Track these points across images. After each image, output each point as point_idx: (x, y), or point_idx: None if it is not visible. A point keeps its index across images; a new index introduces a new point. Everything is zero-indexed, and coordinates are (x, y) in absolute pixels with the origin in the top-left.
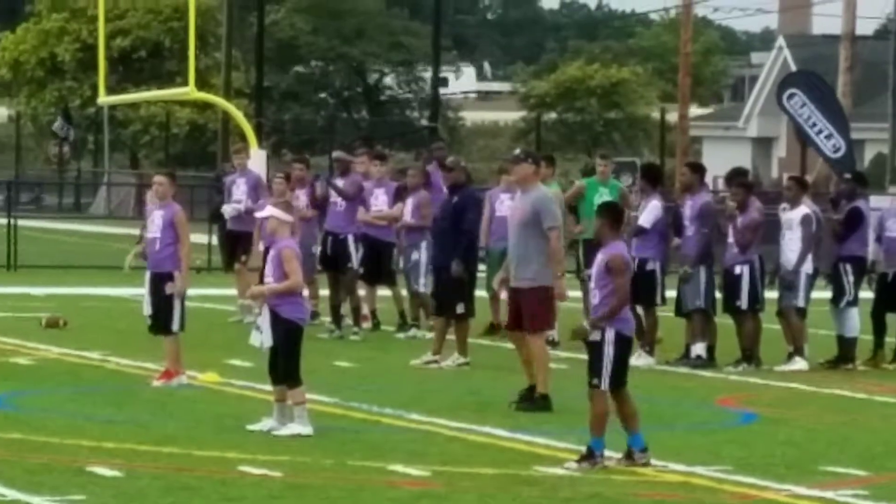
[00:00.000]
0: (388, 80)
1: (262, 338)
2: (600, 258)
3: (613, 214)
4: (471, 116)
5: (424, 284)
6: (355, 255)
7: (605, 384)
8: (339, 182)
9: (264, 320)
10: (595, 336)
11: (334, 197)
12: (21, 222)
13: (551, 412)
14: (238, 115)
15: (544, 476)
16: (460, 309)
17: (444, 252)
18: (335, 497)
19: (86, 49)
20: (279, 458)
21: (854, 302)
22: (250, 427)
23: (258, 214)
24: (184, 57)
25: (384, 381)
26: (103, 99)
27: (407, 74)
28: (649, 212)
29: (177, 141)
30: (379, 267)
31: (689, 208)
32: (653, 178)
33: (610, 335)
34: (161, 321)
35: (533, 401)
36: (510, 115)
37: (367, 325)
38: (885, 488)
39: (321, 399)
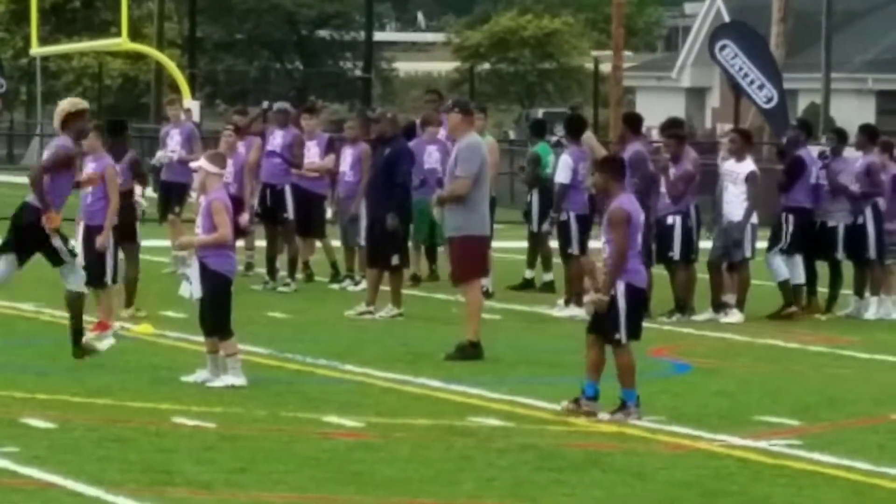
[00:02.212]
0: (322, 31)
1: (192, 289)
2: (606, 211)
3: (614, 166)
4: (404, 67)
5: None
6: (292, 207)
7: (624, 336)
8: (279, 136)
9: (194, 271)
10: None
11: (271, 147)
12: None
13: (483, 360)
14: (171, 66)
15: (479, 426)
16: (395, 261)
17: (377, 205)
18: (269, 448)
19: (18, 0)
20: (213, 409)
21: (787, 250)
22: (184, 378)
23: (193, 165)
24: (117, 7)
25: (318, 333)
26: (35, 50)
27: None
28: (562, 168)
29: (109, 93)
30: (310, 219)
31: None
32: (575, 131)
33: (620, 288)
34: (94, 274)
35: (463, 350)
36: (444, 66)
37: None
38: (818, 438)
39: (256, 350)
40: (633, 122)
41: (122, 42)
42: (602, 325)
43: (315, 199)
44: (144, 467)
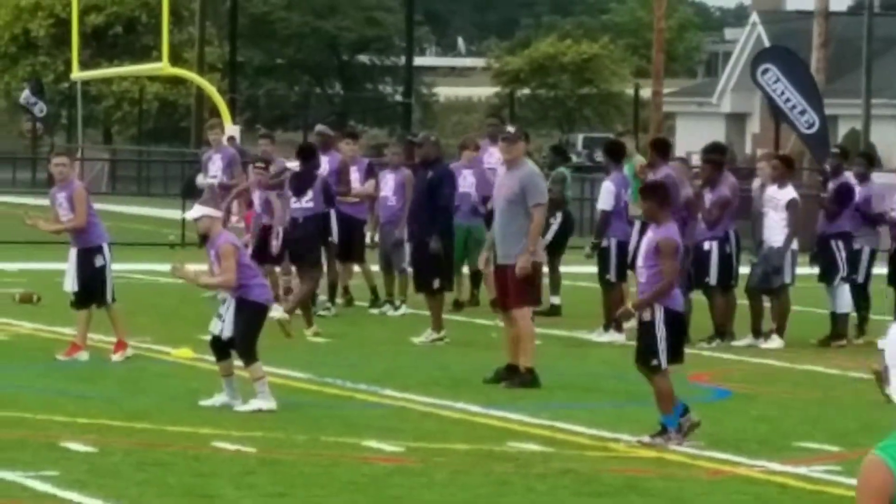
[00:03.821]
0: (362, 55)
1: (223, 326)
2: (651, 237)
3: (663, 194)
4: (444, 92)
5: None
6: (335, 232)
7: (663, 362)
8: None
9: (227, 310)
10: (646, 316)
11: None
12: None
13: (539, 388)
14: (212, 91)
15: (518, 451)
16: (436, 284)
17: (420, 228)
18: (308, 473)
19: (59, 24)
20: (252, 433)
21: (846, 278)
22: (203, 402)
23: (188, 215)
24: (158, 32)
25: (358, 357)
26: (76, 74)
27: (380, 50)
28: (605, 195)
29: (149, 117)
30: (350, 243)
31: None
32: (615, 156)
33: (659, 314)
34: (96, 295)
35: (513, 378)
36: (484, 91)
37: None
38: (857, 464)
39: (295, 374)
40: (661, 148)
41: (164, 66)
42: (679, 349)
43: (355, 224)
44: (184, 491)
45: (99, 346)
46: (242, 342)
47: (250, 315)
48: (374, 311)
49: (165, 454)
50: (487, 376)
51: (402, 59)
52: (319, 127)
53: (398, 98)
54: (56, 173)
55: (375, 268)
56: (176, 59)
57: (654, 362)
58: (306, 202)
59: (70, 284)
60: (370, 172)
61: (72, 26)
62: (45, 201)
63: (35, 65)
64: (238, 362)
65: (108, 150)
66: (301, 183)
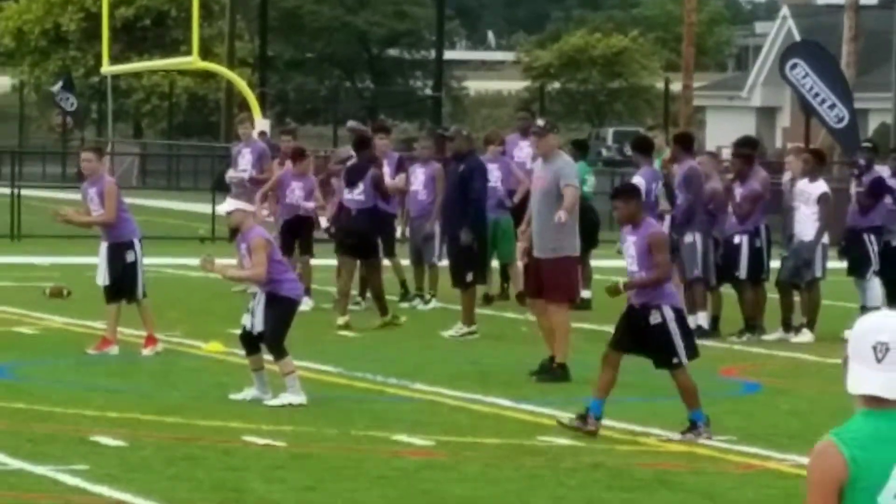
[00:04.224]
0: (392, 49)
1: (254, 322)
2: (635, 239)
3: (638, 195)
4: (474, 86)
5: (440, 256)
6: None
7: (683, 359)
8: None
9: (258, 305)
10: (656, 318)
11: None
12: (24, 192)
13: (569, 382)
14: (242, 85)
15: (548, 446)
16: (469, 277)
17: (452, 222)
18: (338, 467)
19: (90, 18)
20: (283, 427)
21: (877, 272)
22: (233, 396)
23: (221, 209)
24: (188, 26)
25: (388, 351)
26: (106, 68)
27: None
28: None
29: (179, 111)
30: (383, 238)
31: (677, 177)
32: (644, 149)
33: (669, 314)
34: (125, 290)
35: (552, 371)
36: (514, 85)
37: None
38: None
39: (325, 368)
40: (684, 141)
41: (193, 61)
42: (636, 346)
43: (386, 217)
44: (214, 485)
45: (129, 340)
46: (272, 337)
47: (280, 310)
48: (404, 304)
49: (196, 448)
50: (533, 371)
51: (433, 53)
52: (351, 123)
53: (428, 92)
54: (84, 168)
55: (406, 262)
56: (206, 54)
57: (675, 360)
58: (357, 194)
59: (101, 278)
60: (400, 166)
61: (102, 20)
62: (74, 196)
63: (65, 59)
64: (268, 356)
65: (138, 144)
66: (354, 175)
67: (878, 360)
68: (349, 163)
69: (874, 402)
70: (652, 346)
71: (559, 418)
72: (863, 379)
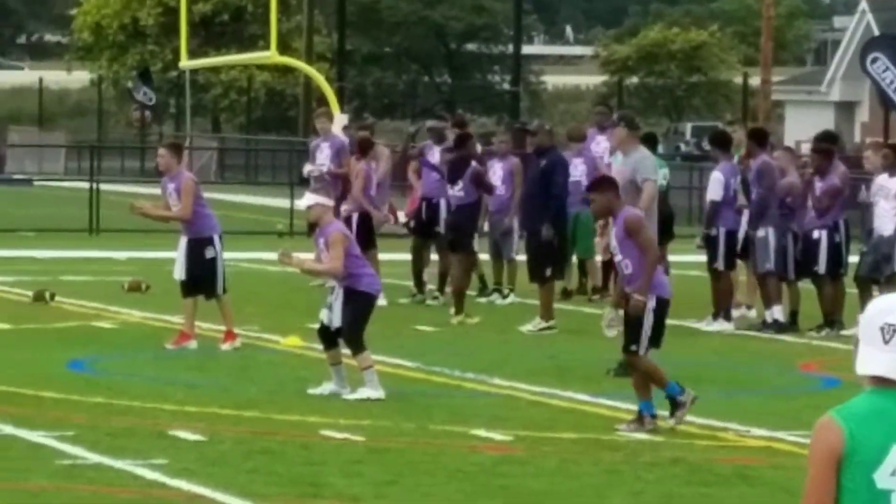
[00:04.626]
0: (470, 44)
1: (332, 316)
2: (615, 228)
3: (610, 184)
4: (552, 80)
5: (518, 251)
6: (443, 221)
7: (642, 350)
8: (437, 152)
9: (336, 300)
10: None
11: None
12: (103, 186)
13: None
14: (320, 79)
15: (627, 440)
16: (547, 272)
17: (533, 217)
18: (416, 461)
19: (168, 13)
20: (361, 422)
21: None
22: (311, 391)
23: (301, 204)
24: (265, 20)
25: (466, 346)
26: (185, 63)
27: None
28: (714, 185)
29: (257, 105)
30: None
31: (752, 172)
32: (722, 144)
33: (651, 303)
34: (203, 285)
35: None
36: (592, 79)
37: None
38: None
39: (403, 363)
40: (758, 137)
41: (271, 55)
42: (660, 336)
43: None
44: (292, 480)
45: (208, 334)
46: (350, 331)
47: (359, 305)
48: (483, 299)
49: (274, 443)
50: (611, 367)
51: (511, 48)
52: (430, 123)
53: (506, 87)
54: (160, 164)
55: (484, 256)
56: (284, 48)
57: (633, 348)
58: (458, 190)
59: (178, 273)
60: (479, 161)
61: (180, 15)
62: (152, 190)
63: (143, 53)
64: (346, 351)
65: (216, 138)
66: (454, 171)
67: (886, 342)
68: (450, 159)
69: (880, 382)
70: (625, 329)
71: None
72: (870, 360)
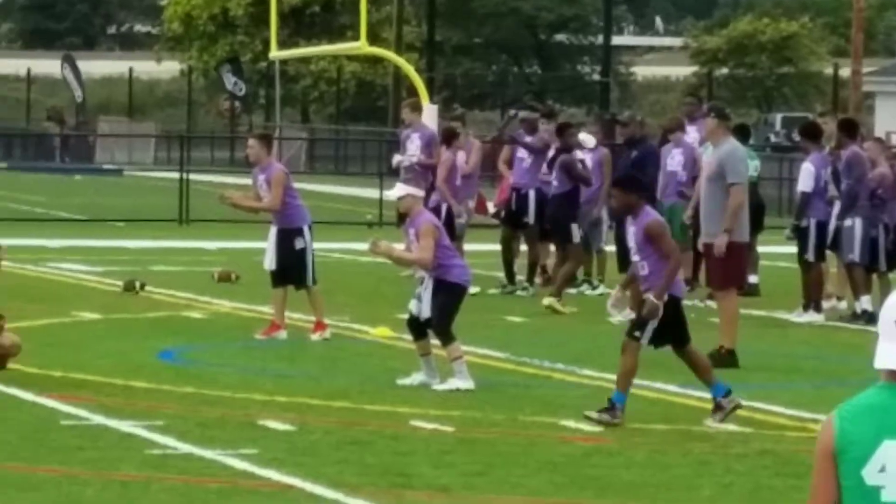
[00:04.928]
0: (560, 35)
1: (421, 307)
2: (634, 230)
3: (637, 184)
4: (641, 71)
5: (607, 242)
6: (533, 211)
7: (645, 340)
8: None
9: (425, 291)
10: (651, 296)
11: (521, 153)
12: (193, 176)
13: (737, 368)
14: (409, 70)
15: (716, 432)
16: None
17: None
18: (506, 452)
19: (258, 3)
20: (450, 412)
21: None
22: (400, 381)
23: (392, 194)
24: (355, 11)
25: (555, 337)
26: (274, 53)
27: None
28: (805, 176)
29: (346, 96)
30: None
31: (842, 163)
32: (812, 135)
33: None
34: (293, 276)
35: (720, 358)
36: (681, 70)
37: (539, 280)
38: None
39: (493, 354)
40: (848, 128)
41: (361, 46)
42: (667, 335)
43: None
44: (382, 470)
45: (298, 324)
46: (440, 322)
47: (448, 295)
48: (572, 290)
49: (364, 433)
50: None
51: (600, 39)
52: (522, 113)
53: (596, 77)
54: (249, 155)
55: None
56: (374, 39)
57: (637, 334)
58: (553, 180)
59: (268, 263)
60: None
61: (270, 5)
62: (242, 180)
63: (233, 44)
64: (436, 341)
65: (305, 129)
66: (551, 162)
67: None
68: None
69: (894, 376)
70: (635, 315)
71: (707, 423)
72: (885, 353)
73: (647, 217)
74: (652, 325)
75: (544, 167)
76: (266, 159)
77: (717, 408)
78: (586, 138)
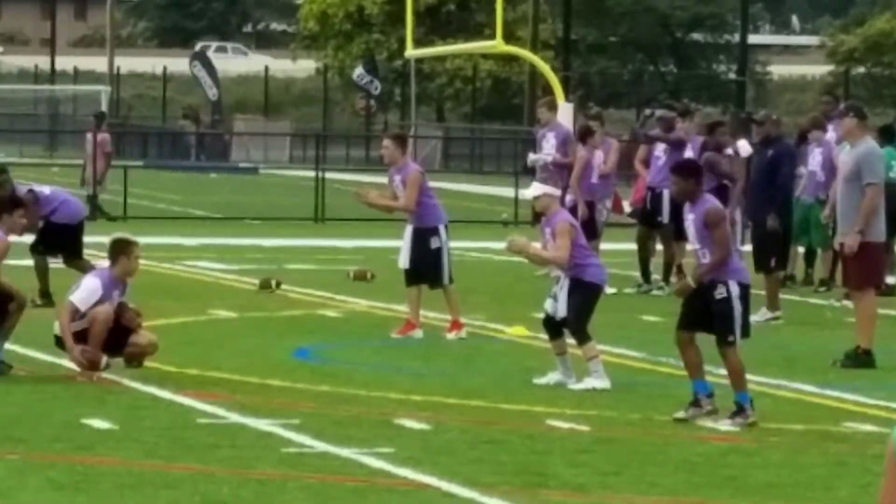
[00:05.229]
0: (696, 33)
1: (557, 306)
2: (693, 217)
3: (695, 171)
4: (778, 70)
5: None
6: (667, 210)
7: (738, 337)
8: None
9: (561, 290)
10: (721, 293)
11: (657, 152)
12: (328, 175)
13: (874, 369)
14: (545, 69)
15: (854, 432)
16: (773, 262)
17: (759, 207)
18: (643, 451)
19: (394, 2)
20: (587, 412)
21: None
22: (536, 381)
23: (528, 193)
24: (491, 9)
25: None
26: (410, 52)
27: (714, 27)
28: None
29: (482, 94)
30: (683, 222)
31: None
32: None
33: (735, 290)
34: (427, 274)
35: (857, 358)
36: (818, 69)
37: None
38: None
39: (629, 353)
40: None
41: (497, 44)
42: (701, 323)
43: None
44: (518, 469)
45: (433, 323)
46: (576, 322)
47: (584, 295)
48: None
49: (499, 432)
50: (837, 359)
51: (736, 37)
52: (659, 111)
53: (732, 76)
54: (384, 155)
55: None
56: (509, 37)
57: (731, 338)
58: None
59: (403, 261)
60: (703, 150)
61: (406, 3)
62: (376, 179)
63: (369, 42)
64: (571, 341)
65: (440, 127)
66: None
67: None
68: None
69: None
70: (714, 321)
71: (677, 415)
72: None
73: (706, 204)
74: (737, 322)
75: None
76: (401, 159)
77: (738, 412)
78: (742, 146)
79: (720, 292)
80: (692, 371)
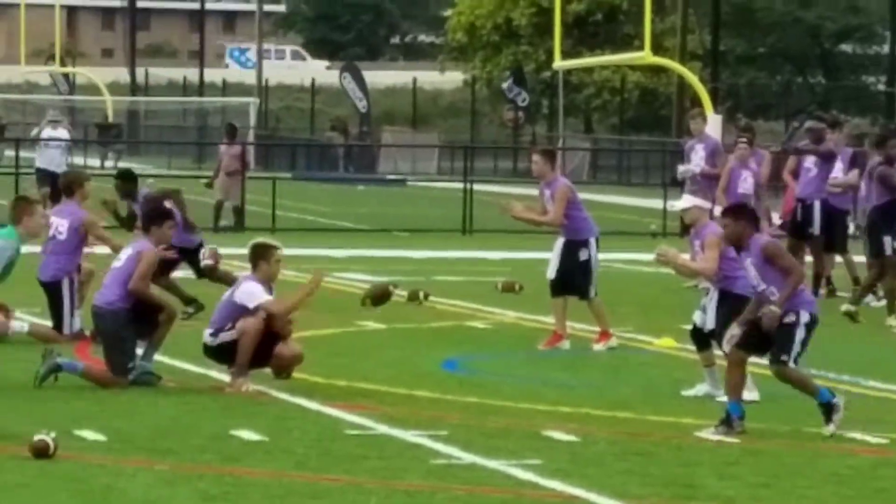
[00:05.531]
0: (845, 44)
1: (705, 318)
2: (752, 259)
3: (747, 212)
4: None
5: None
6: (818, 223)
7: (791, 361)
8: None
9: (710, 302)
10: (790, 318)
11: (807, 163)
12: (476, 186)
13: None
14: (693, 80)
15: None
16: None
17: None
18: (792, 464)
19: (542, 13)
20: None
21: None
22: (685, 392)
23: (677, 205)
24: (639, 20)
25: (840, 348)
26: (558, 63)
27: (863, 38)
28: None
29: (629, 106)
30: (833, 234)
31: None
32: None
33: (804, 318)
34: (573, 286)
35: None
36: None
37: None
38: None
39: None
40: None
41: (645, 55)
42: (759, 347)
43: (839, 214)
44: (667, 481)
45: (581, 335)
46: (720, 331)
47: (733, 307)
48: (849, 307)
49: (648, 444)
50: None
51: (886, 48)
52: (809, 123)
53: (881, 87)
54: (533, 170)
55: (860, 258)
56: (657, 48)
57: (784, 357)
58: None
59: (550, 272)
60: (854, 162)
61: (554, 15)
62: (524, 191)
63: (517, 54)
64: (720, 353)
65: (588, 139)
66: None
67: None
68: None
69: None
70: (774, 341)
71: (701, 435)
72: None
73: (760, 240)
74: (796, 347)
75: (831, 177)
76: (550, 174)
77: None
78: None
79: (789, 318)
80: (731, 391)
